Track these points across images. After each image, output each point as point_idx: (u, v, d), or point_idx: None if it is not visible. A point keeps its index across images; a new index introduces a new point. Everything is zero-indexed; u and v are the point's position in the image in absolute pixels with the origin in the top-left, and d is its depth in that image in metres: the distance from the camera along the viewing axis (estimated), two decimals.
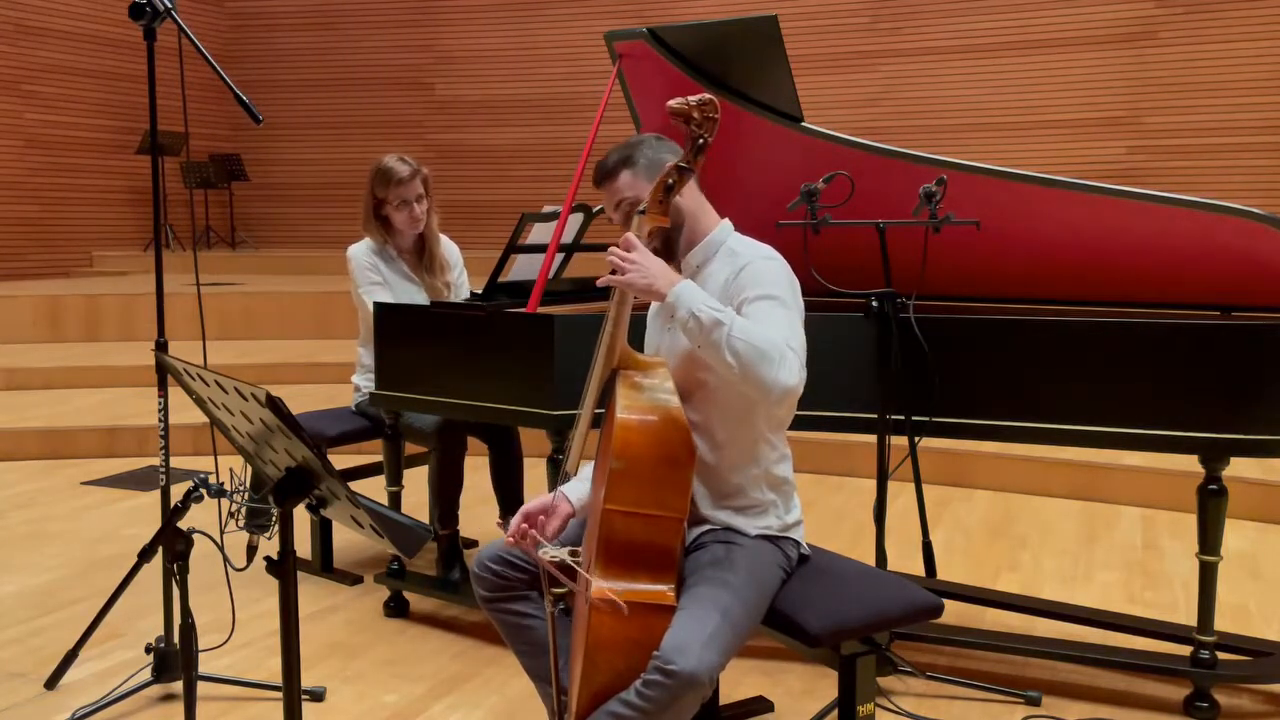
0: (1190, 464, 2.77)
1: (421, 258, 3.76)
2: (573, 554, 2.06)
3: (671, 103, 1.97)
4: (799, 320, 2.07)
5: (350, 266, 3.70)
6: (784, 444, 2.24)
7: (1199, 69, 9.02)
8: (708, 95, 1.97)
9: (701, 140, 1.97)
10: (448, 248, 3.84)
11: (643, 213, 2.04)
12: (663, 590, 1.91)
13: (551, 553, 2.04)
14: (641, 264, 1.97)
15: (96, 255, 10.46)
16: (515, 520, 2.13)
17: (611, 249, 2.01)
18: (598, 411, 2.15)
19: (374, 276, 3.66)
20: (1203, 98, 9.01)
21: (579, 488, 2.21)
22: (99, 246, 10.53)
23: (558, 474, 2.58)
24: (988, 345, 2.81)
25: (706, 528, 2.16)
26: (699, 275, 2.20)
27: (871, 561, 2.68)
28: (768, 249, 2.17)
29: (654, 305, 2.30)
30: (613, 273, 2.01)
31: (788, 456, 2.24)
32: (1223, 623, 2.94)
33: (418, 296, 3.69)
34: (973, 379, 2.80)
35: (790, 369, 1.92)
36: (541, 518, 2.14)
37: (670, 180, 2.00)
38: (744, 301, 2.05)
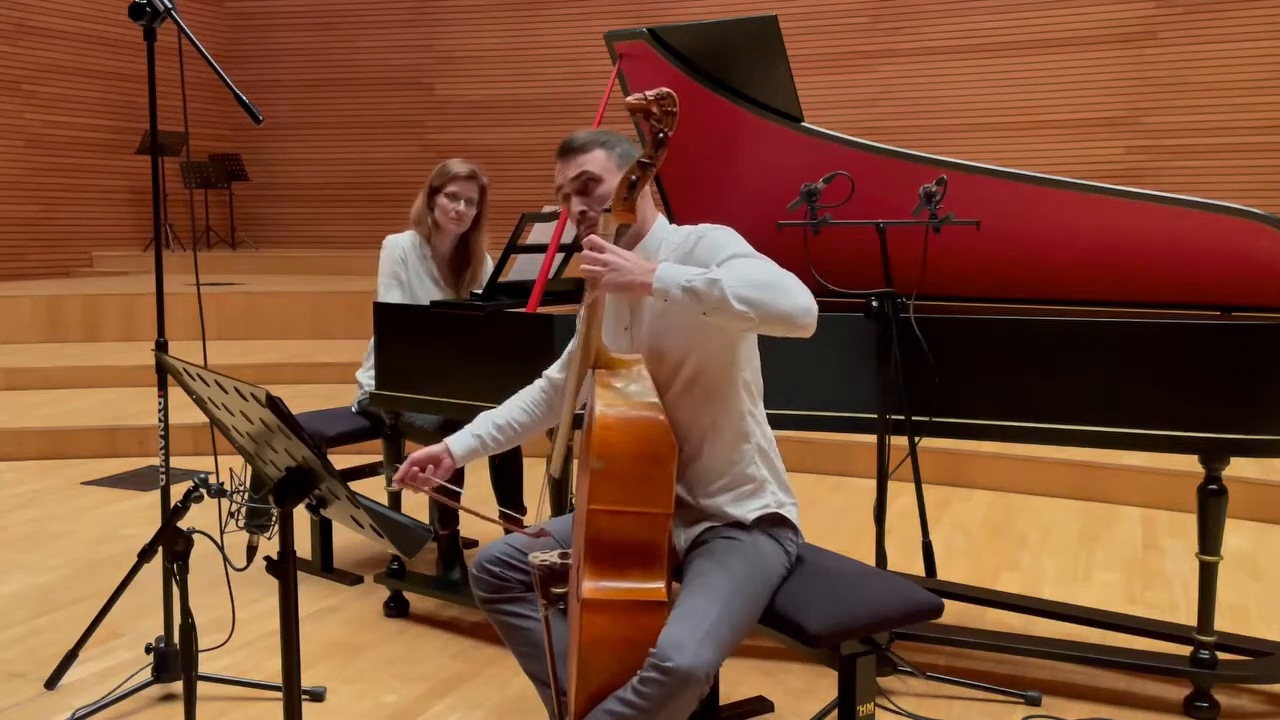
0: (1190, 464, 2.77)
1: (458, 270, 3.74)
2: (563, 556, 2.06)
3: (629, 99, 1.97)
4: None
5: (381, 258, 3.67)
6: (761, 409, 2.22)
7: (1199, 69, 9.02)
8: (665, 89, 1.96)
9: (661, 135, 1.96)
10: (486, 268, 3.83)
11: (608, 211, 2.04)
12: (653, 588, 1.91)
13: (541, 556, 2.04)
14: (614, 263, 1.94)
15: (96, 255, 10.46)
16: (404, 466, 2.19)
17: (583, 254, 1.98)
18: (578, 413, 2.15)
19: (399, 272, 3.65)
20: (1203, 98, 9.01)
21: (466, 440, 2.27)
22: (99, 246, 10.53)
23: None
24: (987, 345, 2.81)
25: (707, 524, 2.16)
26: None
27: (871, 561, 2.68)
28: (709, 224, 2.15)
29: (606, 309, 2.29)
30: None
31: (770, 431, 2.23)
32: (1223, 623, 2.94)
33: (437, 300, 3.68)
34: (973, 379, 2.80)
35: (798, 290, 1.89)
36: (431, 466, 2.21)
37: (634, 177, 1.99)
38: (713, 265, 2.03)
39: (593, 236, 1.99)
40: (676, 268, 1.94)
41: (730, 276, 1.87)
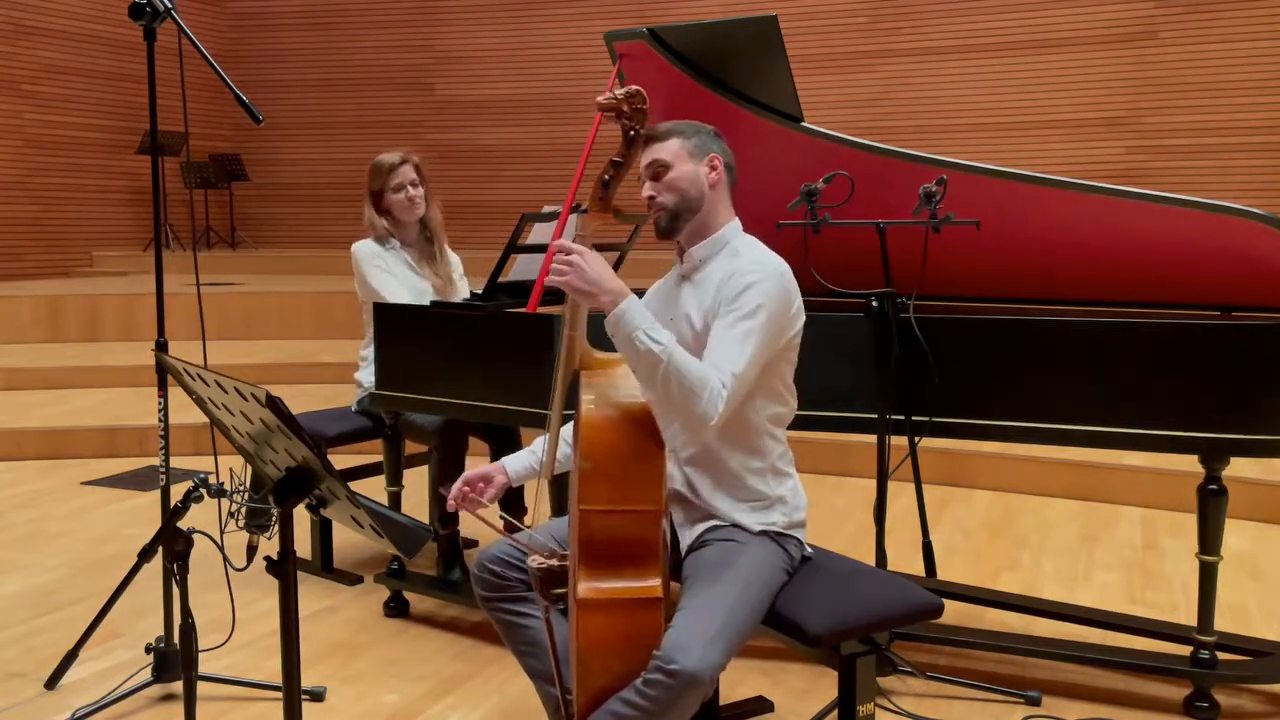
0: (1190, 464, 2.77)
1: (427, 252, 3.80)
2: (561, 558, 2.06)
3: (600, 99, 1.99)
4: (759, 350, 2.05)
5: (356, 261, 3.73)
6: (785, 439, 2.25)
7: (1199, 69, 9.02)
8: (635, 87, 1.98)
9: (633, 132, 1.99)
10: (449, 254, 3.88)
11: (584, 211, 2.06)
12: (649, 585, 1.91)
13: (539, 559, 2.04)
14: (581, 266, 1.96)
15: (96, 255, 10.46)
16: (456, 485, 2.21)
17: (554, 256, 2.01)
18: (567, 414, 2.16)
19: (381, 264, 3.71)
20: (1203, 98, 9.01)
21: (523, 459, 2.28)
22: (99, 246, 10.53)
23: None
24: (987, 345, 2.81)
25: (711, 523, 2.16)
26: (700, 270, 2.22)
27: (871, 561, 2.68)
28: (768, 257, 2.17)
29: (662, 281, 2.34)
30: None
31: (789, 454, 2.25)
32: (1223, 623, 2.94)
33: (422, 288, 3.71)
34: (973, 379, 2.80)
35: (714, 404, 1.95)
36: (481, 484, 2.23)
37: (607, 176, 2.01)
38: (724, 309, 2.08)
39: (561, 240, 2.03)
40: (641, 314, 1.97)
41: (672, 365, 1.92)
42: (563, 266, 1.97)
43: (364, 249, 3.74)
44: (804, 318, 2.19)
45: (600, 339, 2.20)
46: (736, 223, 2.26)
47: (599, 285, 1.96)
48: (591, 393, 2.00)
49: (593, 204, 2.03)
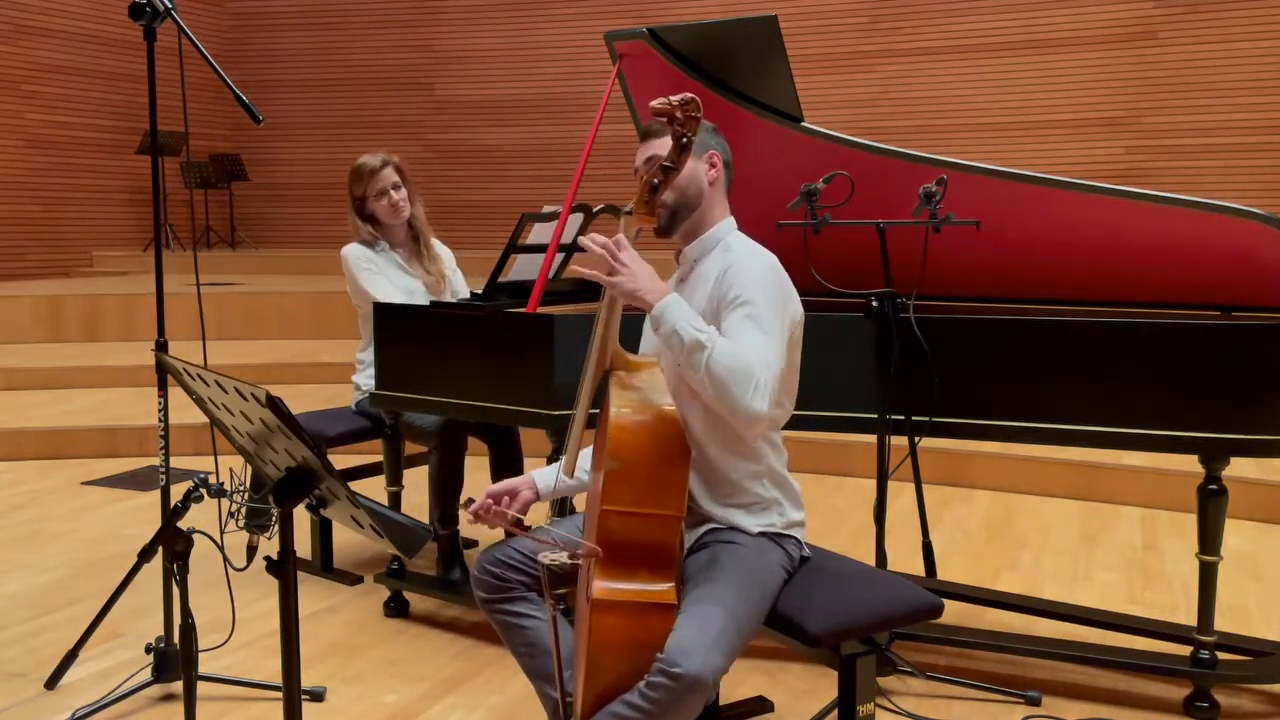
0: (1190, 464, 2.77)
1: (415, 250, 3.81)
2: (571, 557, 2.06)
3: (654, 103, 1.98)
4: (777, 333, 2.04)
5: (346, 265, 3.73)
6: (780, 441, 2.25)
7: (1199, 69, 9.02)
8: (690, 94, 1.98)
9: (685, 139, 1.98)
10: (439, 248, 3.88)
11: (629, 213, 2.05)
12: (663, 589, 1.91)
13: (550, 557, 2.04)
14: (631, 269, 1.99)
15: (96, 255, 10.46)
16: (480, 499, 2.20)
17: (597, 237, 2.01)
18: (592, 412, 2.16)
19: (371, 267, 3.71)
20: (1203, 98, 9.01)
21: (554, 475, 2.25)
22: (99, 246, 10.53)
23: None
24: (987, 345, 2.81)
25: (709, 527, 2.16)
26: (694, 271, 2.22)
27: (871, 561, 2.68)
28: (759, 249, 2.17)
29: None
30: (606, 273, 2.01)
31: (785, 455, 2.25)
32: (1223, 623, 2.94)
33: (414, 287, 3.71)
34: (973, 379, 2.80)
35: (762, 397, 1.92)
36: (507, 498, 2.22)
37: (655, 180, 2.01)
38: (726, 305, 2.07)
39: (619, 235, 2.02)
40: (682, 308, 1.97)
41: (717, 351, 1.91)
42: (617, 266, 1.98)
43: (353, 252, 3.73)
44: (802, 313, 2.18)
45: (629, 342, 2.20)
46: (730, 220, 2.26)
47: (645, 288, 1.98)
48: (622, 394, 2.01)
49: (638, 207, 2.02)
